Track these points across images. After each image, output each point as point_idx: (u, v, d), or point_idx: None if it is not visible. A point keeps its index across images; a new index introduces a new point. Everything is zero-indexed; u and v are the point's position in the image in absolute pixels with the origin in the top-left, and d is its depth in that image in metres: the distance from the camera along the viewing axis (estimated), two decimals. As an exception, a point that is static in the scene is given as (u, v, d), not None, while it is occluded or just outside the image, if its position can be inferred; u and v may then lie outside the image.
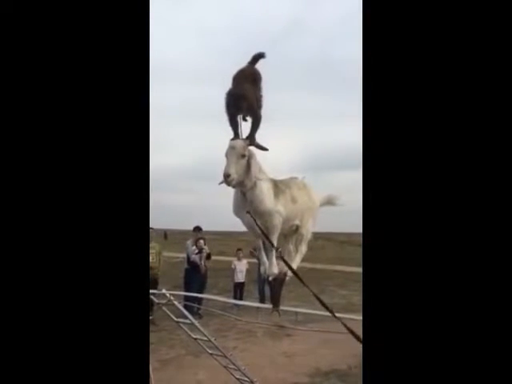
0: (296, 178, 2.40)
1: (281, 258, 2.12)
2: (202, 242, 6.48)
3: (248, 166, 2.01)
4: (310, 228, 2.37)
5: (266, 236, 2.04)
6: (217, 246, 17.62)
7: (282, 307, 2.29)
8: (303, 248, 2.37)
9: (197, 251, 6.42)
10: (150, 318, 4.10)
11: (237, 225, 2.24)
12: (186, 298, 4.64)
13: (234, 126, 2.07)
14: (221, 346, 2.61)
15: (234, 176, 1.92)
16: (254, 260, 6.65)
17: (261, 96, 2.12)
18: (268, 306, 2.45)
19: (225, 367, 2.80)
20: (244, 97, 1.97)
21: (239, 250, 7.58)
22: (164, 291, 2.36)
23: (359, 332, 1.31)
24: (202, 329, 2.44)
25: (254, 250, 5.32)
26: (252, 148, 2.09)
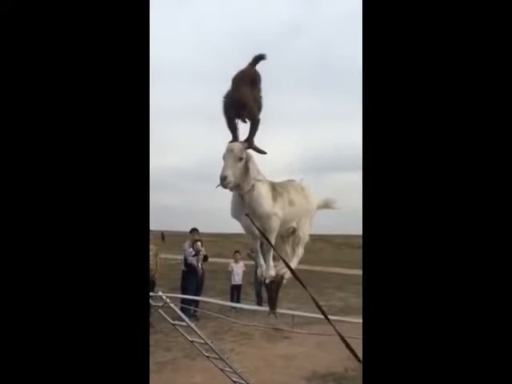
0: (294, 181, 2.40)
1: (280, 257, 2.11)
2: (199, 243, 6.47)
3: (245, 169, 2.01)
4: (307, 231, 2.37)
5: (266, 237, 2.04)
6: (214, 247, 17.61)
7: (279, 310, 2.29)
8: (300, 250, 2.36)
9: (194, 253, 6.41)
10: (147, 320, 4.07)
11: (234, 227, 2.24)
12: (183, 301, 4.62)
13: (232, 128, 2.06)
14: (217, 349, 2.60)
15: (231, 179, 1.91)
16: (252, 262, 6.65)
17: (260, 97, 2.11)
18: (265, 308, 2.44)
19: (221, 370, 2.79)
20: (241, 100, 1.97)
21: (236, 252, 7.58)
22: (161, 293, 2.35)
23: (358, 335, 1.31)
24: (198, 331, 2.43)
25: (252, 252, 5.31)
26: (250, 151, 2.09)
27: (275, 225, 2.11)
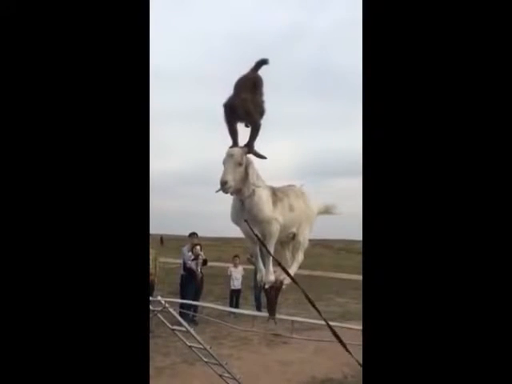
0: (294, 186, 2.40)
1: (279, 264, 2.11)
2: (198, 248, 6.45)
3: (246, 174, 2.01)
4: (306, 236, 2.37)
5: (264, 244, 2.04)
6: (213, 251, 17.57)
7: (278, 315, 2.28)
8: (300, 256, 2.36)
9: (193, 257, 6.39)
10: (145, 324, 4.05)
11: (234, 231, 2.24)
12: (182, 305, 4.60)
13: (233, 134, 2.07)
14: (216, 354, 2.59)
15: (231, 183, 1.92)
16: (251, 266, 6.63)
17: (262, 101, 2.12)
18: (264, 314, 2.43)
19: (220, 376, 2.78)
20: (241, 106, 1.98)
21: (236, 256, 7.56)
22: (160, 298, 2.34)
23: (358, 341, 1.30)
24: (197, 337, 2.42)
25: (251, 256, 5.30)
26: (250, 156, 2.09)
27: (275, 230, 2.11)
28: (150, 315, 2.50)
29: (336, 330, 1.76)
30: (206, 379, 3.51)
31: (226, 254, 15.71)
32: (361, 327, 1.10)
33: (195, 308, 5.22)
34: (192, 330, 2.40)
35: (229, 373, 2.64)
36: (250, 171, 2.03)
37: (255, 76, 2.13)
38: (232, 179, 1.92)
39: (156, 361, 4.35)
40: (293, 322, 2.52)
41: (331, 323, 1.81)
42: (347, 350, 1.59)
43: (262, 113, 2.10)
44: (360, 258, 1.14)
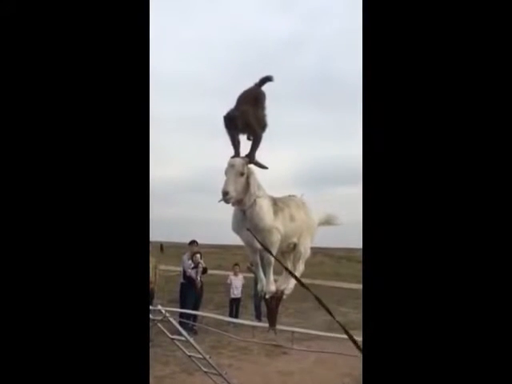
0: (295, 196, 2.41)
1: (285, 269, 2.09)
2: (198, 256, 6.43)
3: (247, 184, 2.02)
4: (307, 246, 2.37)
5: (268, 250, 2.03)
6: (214, 259, 17.50)
7: (278, 326, 2.27)
8: (301, 266, 2.36)
9: (193, 266, 6.37)
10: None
11: (234, 238, 2.24)
12: (182, 315, 4.58)
13: (234, 144, 2.09)
14: (215, 364, 2.58)
15: (233, 194, 1.93)
16: (251, 275, 6.61)
17: (264, 115, 2.14)
18: (264, 324, 2.42)
19: (219, 386, 2.76)
20: (238, 118, 2.00)
21: (236, 264, 7.53)
22: (160, 307, 2.33)
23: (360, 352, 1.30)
24: (197, 346, 2.41)
25: (251, 265, 5.29)
26: (251, 166, 2.11)
27: (276, 239, 2.12)
28: (150, 324, 2.50)
29: (338, 341, 1.75)
30: (206, 389, 3.47)
31: (226, 262, 15.65)
32: (361, 338, 1.10)
33: (195, 317, 5.20)
34: (192, 340, 2.39)
35: (228, 383, 2.62)
36: (252, 181, 2.04)
37: (258, 91, 2.16)
38: (233, 189, 1.93)
39: (155, 370, 4.32)
40: (293, 332, 2.51)
41: (333, 334, 1.80)
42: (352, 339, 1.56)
43: (263, 126, 2.12)
44: (361, 266, 1.14)
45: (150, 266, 5.80)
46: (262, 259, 2.24)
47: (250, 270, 6.37)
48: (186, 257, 6.53)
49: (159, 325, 2.45)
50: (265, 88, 2.21)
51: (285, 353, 5.00)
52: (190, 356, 2.67)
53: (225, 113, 2.04)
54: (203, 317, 5.21)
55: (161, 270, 7.20)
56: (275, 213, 2.13)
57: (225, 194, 1.91)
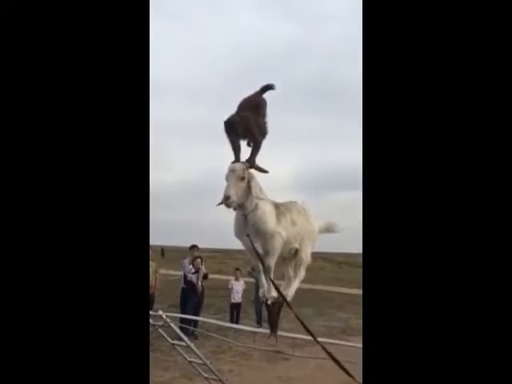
0: (296, 202, 2.41)
1: (274, 286, 2.11)
2: (198, 260, 6.41)
3: (248, 189, 2.03)
4: (309, 252, 2.37)
5: (262, 262, 2.05)
6: (214, 264, 17.46)
7: (279, 332, 2.26)
8: (302, 273, 2.35)
9: (194, 271, 6.35)
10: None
11: (235, 243, 2.25)
12: (182, 320, 4.56)
13: (235, 150, 2.11)
14: (216, 369, 2.56)
15: (234, 198, 1.94)
16: (251, 279, 6.57)
17: (265, 123, 2.15)
18: (265, 330, 2.41)
19: (220, 392, 2.74)
20: (238, 124, 2.02)
21: (237, 269, 7.51)
22: (160, 313, 2.33)
23: (358, 358, 1.29)
24: (198, 352, 2.40)
25: (253, 270, 5.28)
26: (252, 170, 2.11)
27: (278, 244, 2.12)
28: (151, 329, 2.49)
29: (338, 347, 1.74)
30: (206, 395, 3.45)
31: (227, 267, 15.61)
32: (361, 344, 1.10)
33: (195, 322, 5.18)
34: (193, 346, 2.38)
35: (229, 389, 2.60)
36: (253, 185, 2.05)
37: (259, 98, 2.18)
38: (234, 194, 1.94)
39: (155, 375, 4.29)
40: (294, 338, 2.50)
41: (333, 340, 1.79)
42: (342, 368, 1.57)
43: (264, 134, 2.13)
44: (361, 271, 1.14)
45: (151, 270, 5.78)
46: (263, 264, 2.24)
47: (250, 274, 6.36)
48: (186, 262, 6.51)
49: (159, 330, 2.44)
50: (265, 93, 2.22)
51: (286, 358, 4.96)
52: (190, 361, 2.65)
53: (225, 118, 2.06)
54: (204, 322, 5.18)
55: (161, 275, 7.18)
56: (277, 217, 2.14)
57: (226, 198, 1.92)
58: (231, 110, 2.11)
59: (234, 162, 2.09)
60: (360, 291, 1.18)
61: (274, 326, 2.23)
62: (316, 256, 2.52)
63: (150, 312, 2.56)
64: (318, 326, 6.61)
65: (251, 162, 2.10)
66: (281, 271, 2.25)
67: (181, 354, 2.62)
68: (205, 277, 6.47)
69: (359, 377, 1.18)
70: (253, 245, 2.00)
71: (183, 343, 2.47)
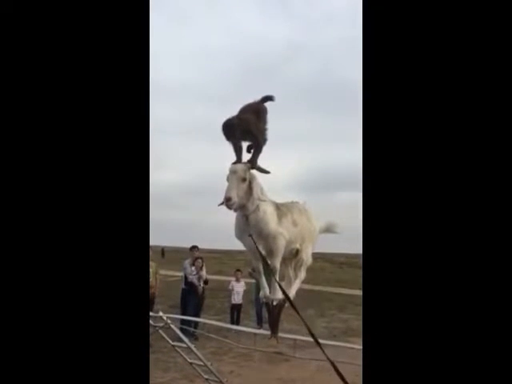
0: (297, 203, 2.41)
1: (277, 282, 2.10)
2: (200, 261, 6.40)
3: (249, 189, 2.03)
4: (310, 253, 2.36)
5: (266, 262, 2.03)
6: (215, 264, 17.46)
7: (280, 334, 2.25)
8: (302, 273, 2.35)
9: (195, 272, 6.34)
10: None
11: (235, 243, 2.24)
12: (183, 321, 4.56)
13: (237, 152, 2.10)
14: (216, 370, 2.56)
15: (235, 199, 1.93)
16: (252, 280, 6.56)
17: (265, 129, 2.15)
18: (266, 332, 2.41)
19: (220, 393, 2.73)
20: (236, 125, 2.01)
21: (238, 270, 7.50)
22: (161, 314, 2.32)
23: (358, 359, 1.29)
24: (198, 353, 2.39)
25: (253, 270, 5.27)
26: (253, 171, 2.11)
27: (281, 245, 2.11)
28: (152, 330, 2.48)
29: (339, 348, 1.74)
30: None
31: (227, 267, 15.60)
32: (361, 346, 1.09)
33: (196, 323, 5.17)
34: (193, 347, 2.38)
35: (229, 391, 2.59)
36: (254, 186, 2.05)
37: (260, 105, 2.18)
38: (236, 195, 1.94)
39: (155, 376, 4.28)
40: (295, 339, 2.50)
41: (334, 342, 1.79)
42: (338, 372, 1.57)
43: (264, 140, 2.13)
44: (361, 272, 1.14)
45: (151, 271, 5.78)
46: (264, 266, 2.23)
47: (251, 275, 6.35)
48: (187, 263, 6.50)
49: (160, 331, 2.44)
50: (264, 93, 2.22)
51: (286, 360, 4.96)
52: (190, 363, 2.65)
53: (225, 118, 2.05)
54: (204, 323, 5.18)
55: (161, 275, 7.17)
56: (279, 218, 2.13)
57: (228, 199, 1.92)
58: (231, 110, 2.11)
59: (235, 163, 2.08)
60: (360, 292, 1.17)
61: (274, 327, 2.22)
62: (317, 256, 2.51)
63: (151, 313, 2.56)
64: (318, 327, 6.61)
65: (252, 163, 2.10)
66: (281, 272, 2.24)
67: (181, 355, 2.62)
68: (205, 282, 6.46)
69: (360, 377, 1.18)
70: (256, 245, 1.99)
71: (183, 344, 2.47)
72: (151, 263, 5.89)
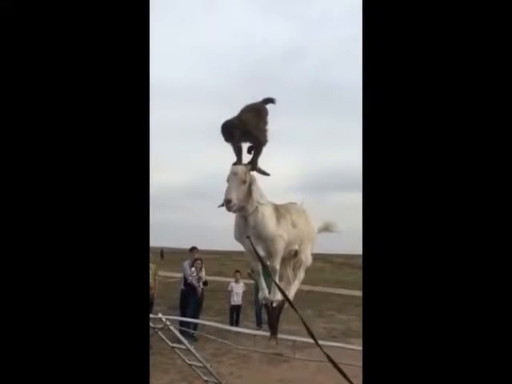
0: (295, 203, 2.41)
1: (275, 284, 2.10)
2: (199, 262, 6.40)
3: (249, 192, 2.02)
4: (309, 254, 2.36)
5: (265, 265, 2.03)
6: (214, 265, 17.44)
7: (280, 335, 2.25)
8: (301, 274, 2.35)
9: (194, 273, 6.33)
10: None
11: (234, 244, 2.24)
12: (182, 323, 4.55)
13: (237, 153, 2.10)
14: (216, 372, 2.55)
15: (235, 201, 1.93)
16: (251, 281, 6.55)
17: (266, 130, 2.15)
18: (266, 333, 2.40)
19: (220, 395, 2.73)
20: (236, 126, 2.01)
21: (237, 271, 7.50)
22: (160, 315, 2.32)
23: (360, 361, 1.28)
24: (197, 355, 2.39)
25: (253, 271, 5.26)
26: (253, 173, 2.11)
27: (280, 247, 2.11)
28: (151, 332, 2.48)
29: (338, 350, 1.73)
30: (206, 398, 3.43)
31: (227, 268, 15.59)
32: (361, 347, 1.09)
33: (195, 324, 5.16)
34: (193, 349, 2.38)
35: (229, 392, 2.59)
36: (254, 188, 2.05)
37: (261, 105, 2.18)
38: (236, 197, 1.94)
39: (155, 378, 4.28)
40: (295, 340, 2.49)
41: (333, 343, 1.79)
42: (341, 373, 1.57)
43: (264, 141, 2.13)
44: (361, 273, 1.14)
45: (150, 272, 5.77)
46: (263, 267, 2.23)
47: (250, 276, 6.34)
48: (186, 264, 6.49)
49: (159, 333, 2.43)
50: (264, 95, 2.22)
51: (286, 361, 4.95)
52: (190, 364, 2.65)
53: (225, 119, 2.05)
54: (203, 324, 5.17)
55: (160, 276, 7.17)
56: (278, 219, 2.13)
57: (227, 201, 1.92)
58: (231, 111, 2.11)
59: (235, 164, 2.08)
60: (360, 293, 1.17)
61: (274, 329, 2.22)
62: (316, 257, 2.51)
63: (150, 315, 2.55)
64: (318, 328, 6.60)
65: (253, 165, 2.10)
66: (280, 273, 2.24)
67: (180, 356, 2.61)
68: (205, 283, 6.46)
69: (360, 378, 1.18)
70: (253, 246, 1.99)
71: (183, 346, 2.46)
72: (150, 264, 5.89)
